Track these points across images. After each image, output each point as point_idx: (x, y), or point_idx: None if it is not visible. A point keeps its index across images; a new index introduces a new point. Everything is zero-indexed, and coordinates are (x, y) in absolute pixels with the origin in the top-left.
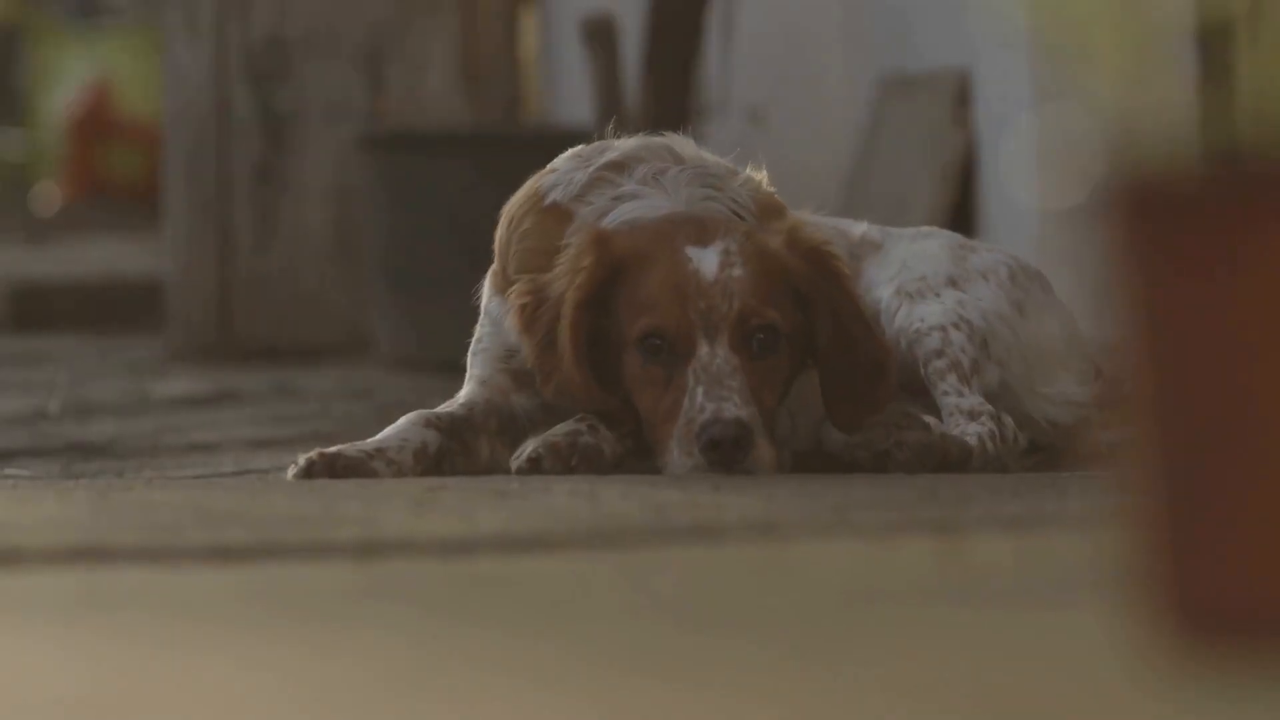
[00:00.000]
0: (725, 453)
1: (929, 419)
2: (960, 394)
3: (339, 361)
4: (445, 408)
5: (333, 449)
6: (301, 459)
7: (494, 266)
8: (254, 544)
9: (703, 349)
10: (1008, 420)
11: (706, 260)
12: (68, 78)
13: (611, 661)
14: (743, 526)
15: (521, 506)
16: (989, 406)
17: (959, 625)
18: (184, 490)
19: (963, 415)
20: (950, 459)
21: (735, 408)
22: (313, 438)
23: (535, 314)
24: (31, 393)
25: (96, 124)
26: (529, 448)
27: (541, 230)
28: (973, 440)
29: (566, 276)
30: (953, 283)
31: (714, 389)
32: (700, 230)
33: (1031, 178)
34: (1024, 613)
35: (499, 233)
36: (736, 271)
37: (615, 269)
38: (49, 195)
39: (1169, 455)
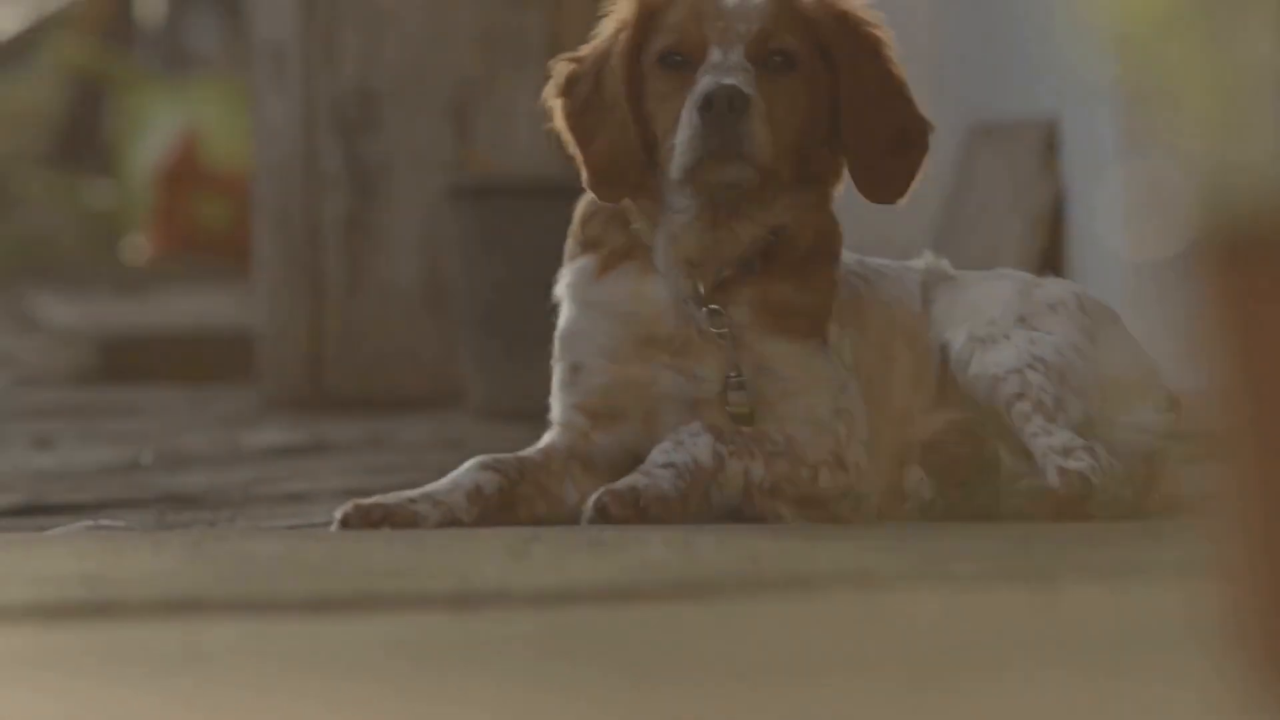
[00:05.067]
0: (717, 113)
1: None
2: (1049, 433)
3: (430, 411)
4: (521, 453)
5: (370, 499)
6: (338, 513)
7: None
8: (350, 595)
9: (715, 55)
10: (1101, 451)
11: None
12: (156, 128)
13: (709, 712)
14: (837, 576)
15: (616, 556)
16: (1080, 440)
17: (1055, 675)
18: (278, 541)
19: (1056, 454)
20: (1068, 502)
21: (735, 80)
22: (404, 487)
23: (574, 78)
24: (124, 444)
25: (185, 174)
26: (595, 499)
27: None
28: (1079, 479)
29: (610, 36)
30: (1022, 320)
31: (718, 73)
32: None
33: (1122, 227)
34: (1121, 663)
35: (576, 214)
36: (757, 1)
37: (651, 17)
38: (138, 246)
39: (1267, 503)
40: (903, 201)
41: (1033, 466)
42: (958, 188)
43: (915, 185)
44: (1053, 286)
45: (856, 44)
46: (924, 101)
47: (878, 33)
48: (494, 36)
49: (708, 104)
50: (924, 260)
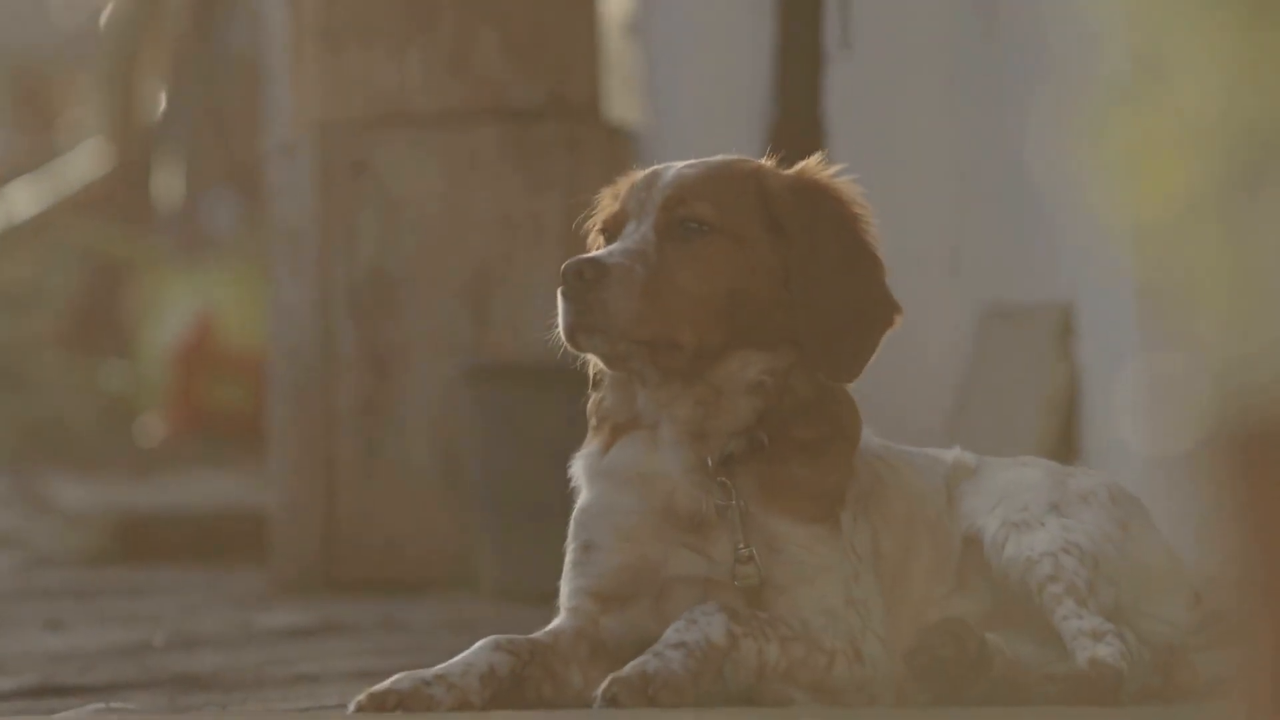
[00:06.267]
0: (570, 287)
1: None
2: (1080, 617)
3: (443, 593)
4: (533, 635)
5: (383, 685)
6: (351, 705)
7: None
8: None
9: (629, 227)
10: (1130, 637)
11: (673, 167)
12: (172, 310)
13: None
14: None
15: None
16: (1111, 625)
17: None
18: None
19: (1086, 637)
20: (1100, 688)
21: (606, 251)
22: (416, 669)
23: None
24: (136, 625)
25: (201, 356)
26: (604, 687)
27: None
28: (1110, 666)
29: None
30: (1055, 508)
31: (621, 242)
32: None
33: (1138, 418)
34: None
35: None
36: (690, 172)
37: (615, 198)
38: (153, 428)
39: None
40: (854, 382)
41: (1053, 654)
42: (971, 371)
43: (868, 365)
44: (1084, 478)
45: (816, 217)
46: (938, 282)
47: (851, 208)
48: (511, 221)
49: (563, 279)
50: (953, 454)
